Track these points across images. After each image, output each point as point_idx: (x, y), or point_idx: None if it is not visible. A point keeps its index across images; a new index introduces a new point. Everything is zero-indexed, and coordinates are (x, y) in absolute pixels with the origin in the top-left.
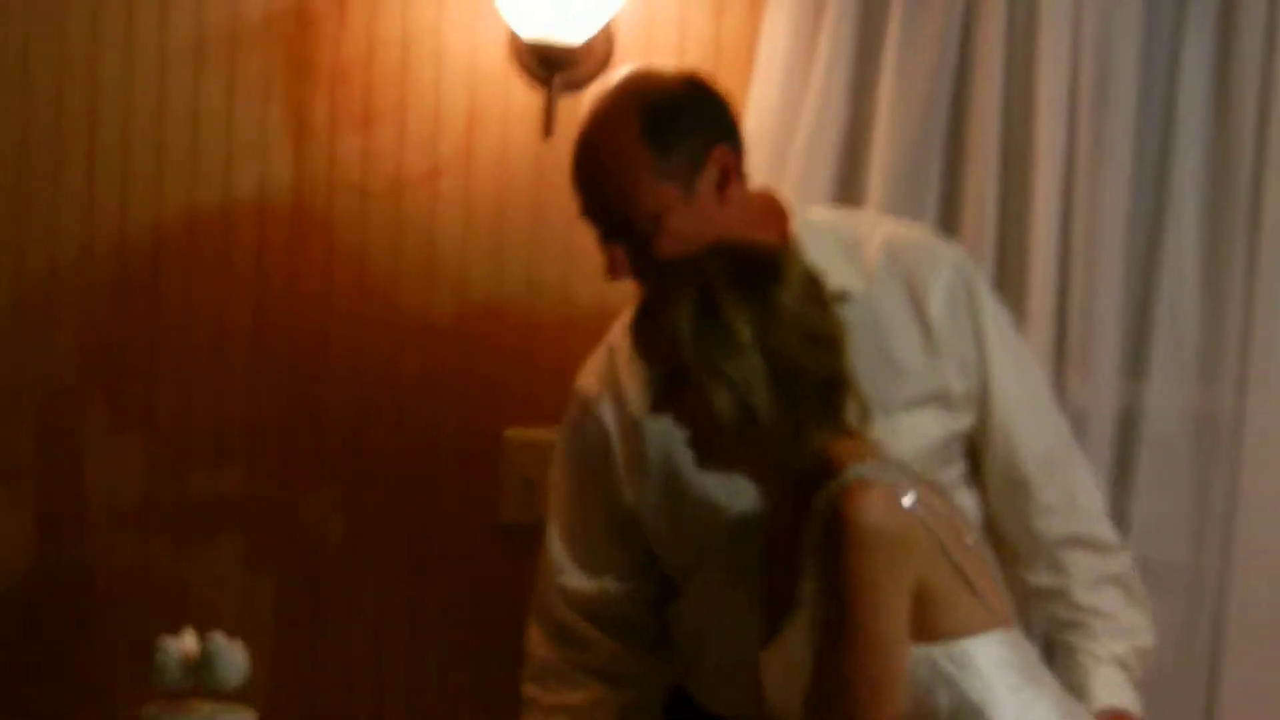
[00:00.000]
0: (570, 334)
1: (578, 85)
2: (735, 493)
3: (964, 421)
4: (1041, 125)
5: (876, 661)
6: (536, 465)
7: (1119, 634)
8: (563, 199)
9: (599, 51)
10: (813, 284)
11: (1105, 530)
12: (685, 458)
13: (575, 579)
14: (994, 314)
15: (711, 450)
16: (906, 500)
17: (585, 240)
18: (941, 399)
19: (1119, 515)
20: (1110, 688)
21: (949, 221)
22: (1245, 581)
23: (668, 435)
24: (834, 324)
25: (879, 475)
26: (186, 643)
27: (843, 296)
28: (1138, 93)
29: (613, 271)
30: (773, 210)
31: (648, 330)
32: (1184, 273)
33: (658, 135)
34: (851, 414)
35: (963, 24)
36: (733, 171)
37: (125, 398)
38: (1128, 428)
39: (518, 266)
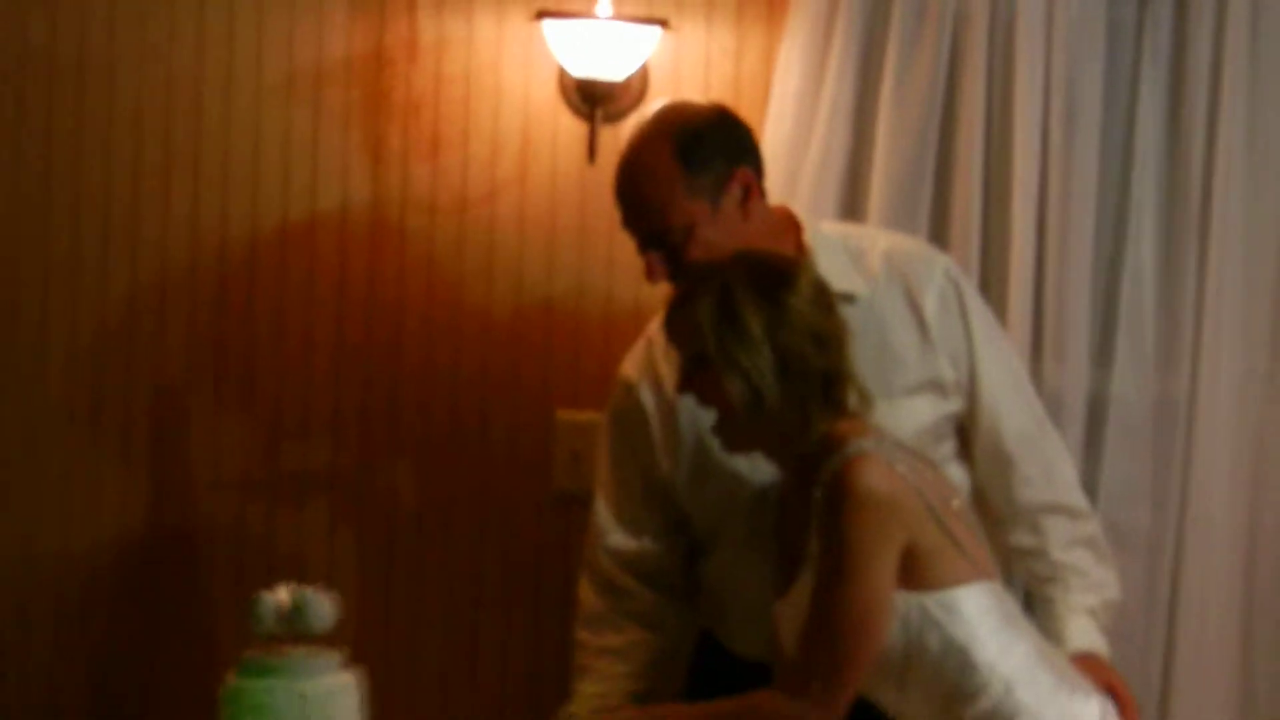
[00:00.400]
0: (612, 329)
1: (617, 117)
2: (755, 468)
3: (954, 405)
4: (1018, 153)
5: (862, 605)
6: (583, 442)
7: (1089, 588)
8: (605, 214)
9: (635, 88)
10: (821, 291)
11: (1078, 498)
12: (713, 438)
13: (619, 539)
14: (980, 313)
15: (732, 433)
16: (899, 468)
17: (625, 249)
18: (935, 386)
19: (1089, 485)
20: (1082, 634)
21: (939, 234)
22: (1197, 543)
23: (697, 416)
24: (838, 326)
25: (876, 448)
26: (281, 595)
27: (849, 298)
28: (1100, 126)
29: (650, 275)
30: (788, 223)
31: (676, 322)
32: (1143, 278)
33: (688, 158)
34: (853, 401)
35: (949, 67)
36: (753, 190)
37: (226, 386)
38: (1096, 410)
39: (566, 272)
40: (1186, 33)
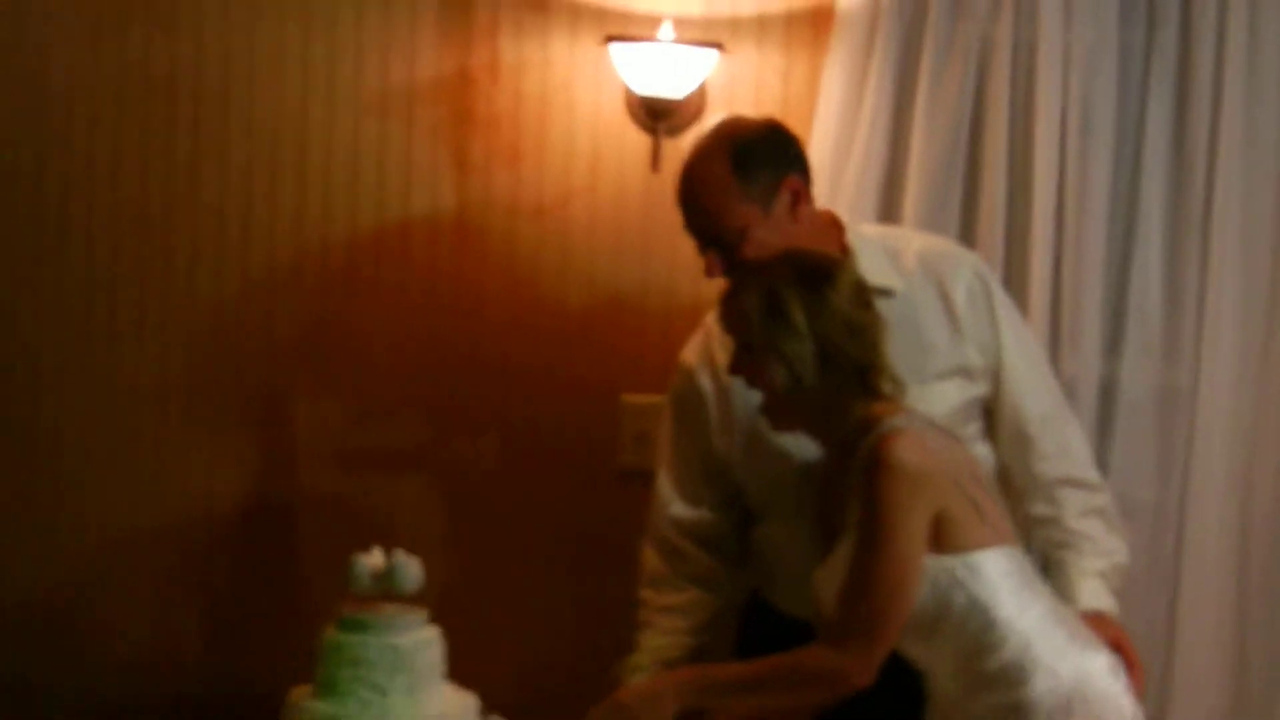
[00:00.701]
0: (673, 321)
1: (678, 131)
2: (801, 446)
3: (981, 389)
4: (1038, 162)
5: (896, 567)
6: (646, 423)
7: (1100, 554)
8: (668, 218)
9: (694, 105)
10: (859, 288)
11: (1090, 473)
12: (762, 417)
13: (680, 509)
14: (1005, 306)
15: (777, 414)
16: (929, 444)
17: (685, 250)
18: (964, 372)
19: (1101, 462)
20: (1093, 595)
21: (967, 234)
22: (1198, 514)
23: (750, 400)
24: (874, 320)
25: (909, 425)
26: (374, 558)
27: (887, 292)
28: (1112, 138)
29: (709, 272)
30: (833, 226)
31: (728, 312)
32: (1150, 276)
33: (741, 168)
34: (887, 389)
35: (976, 86)
36: (802, 196)
37: (327, 371)
38: (1107, 395)
39: (632, 270)
40: (1190, 55)
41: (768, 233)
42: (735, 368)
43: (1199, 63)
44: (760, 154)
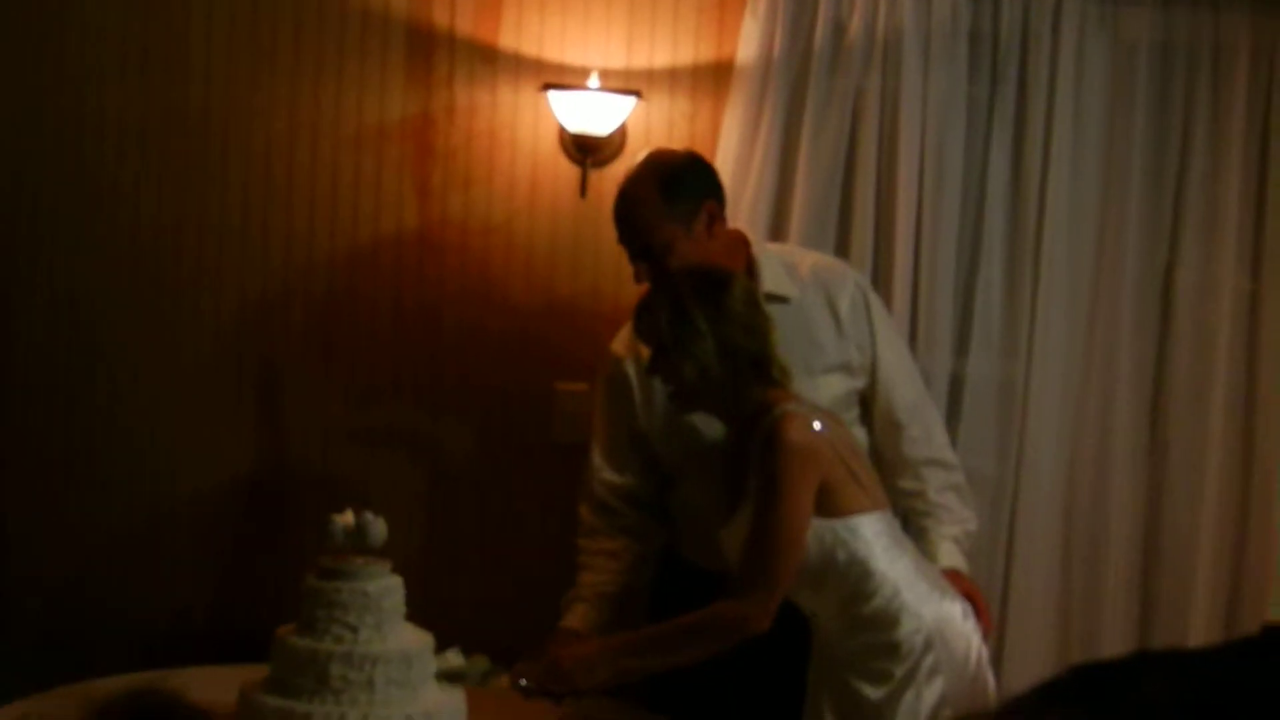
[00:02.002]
0: (599, 321)
1: (603, 163)
2: (709, 424)
3: (859, 382)
4: (900, 193)
5: (789, 528)
6: (576, 406)
7: (956, 521)
8: (594, 235)
9: (616, 141)
10: (750, 293)
11: (950, 455)
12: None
13: (609, 475)
14: (880, 314)
15: (686, 400)
16: (816, 425)
17: (609, 261)
18: (846, 367)
19: (951, 442)
20: (949, 555)
21: (841, 252)
22: (1030, 487)
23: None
24: (764, 320)
25: (798, 410)
26: (347, 517)
27: (784, 299)
28: (961, 174)
29: (638, 278)
30: (741, 243)
31: (642, 323)
32: (992, 288)
33: (667, 191)
34: (777, 374)
35: (850, 129)
36: (717, 217)
37: (332, 356)
38: (956, 385)
39: (564, 278)
40: (1026, 106)
41: (689, 247)
42: (651, 368)
43: (1033, 114)
44: (684, 181)
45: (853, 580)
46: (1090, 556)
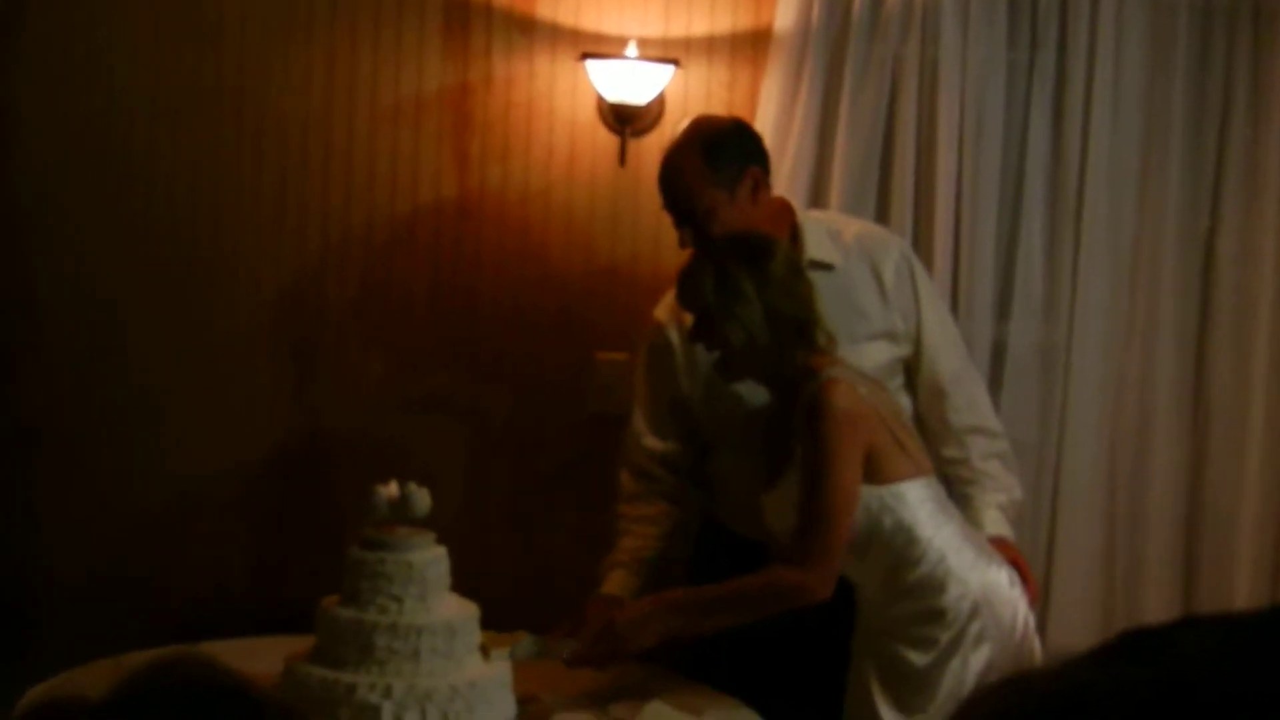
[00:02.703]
0: (637, 290)
1: (641, 132)
2: (751, 392)
3: (904, 350)
4: (940, 159)
5: (841, 493)
6: (614, 376)
7: (1000, 489)
8: (632, 204)
9: (654, 110)
10: (792, 259)
11: (994, 422)
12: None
13: (651, 441)
14: (924, 281)
15: (731, 366)
16: (861, 391)
17: (647, 230)
18: (890, 335)
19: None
20: (994, 523)
21: (881, 220)
22: (1071, 455)
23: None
24: (806, 284)
25: (843, 375)
26: (391, 488)
27: (828, 266)
28: (1001, 140)
29: (682, 244)
30: (785, 210)
31: (686, 290)
32: (1033, 254)
33: (711, 157)
34: (821, 340)
35: (890, 95)
36: (761, 184)
37: (370, 327)
38: (998, 352)
39: (602, 248)
40: (1066, 71)
41: (732, 213)
42: (695, 335)
43: (1073, 78)
44: (728, 147)
45: (898, 547)
46: (1133, 523)
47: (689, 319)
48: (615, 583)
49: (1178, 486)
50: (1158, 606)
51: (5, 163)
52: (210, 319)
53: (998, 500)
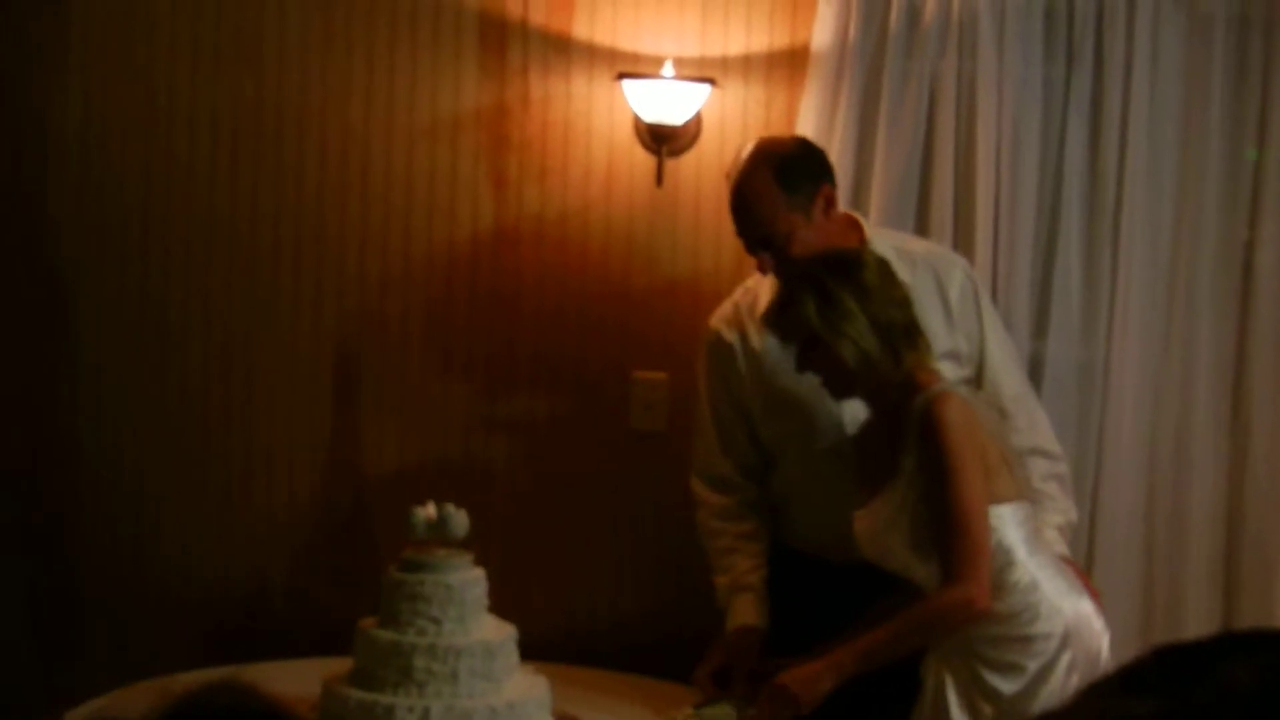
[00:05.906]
0: (674, 311)
1: (678, 152)
2: (816, 399)
3: (967, 371)
4: (979, 176)
5: (974, 500)
6: (653, 394)
7: (1059, 511)
8: (670, 227)
9: (692, 130)
10: (885, 265)
11: (1053, 444)
12: (786, 377)
13: (722, 449)
14: (987, 302)
15: (845, 387)
16: (973, 407)
17: (684, 248)
18: (954, 355)
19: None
20: (1054, 545)
21: (920, 234)
22: (1110, 468)
23: (776, 360)
24: (904, 290)
25: (953, 389)
26: (429, 509)
27: None
28: (1038, 156)
29: (763, 270)
30: (854, 226)
31: (784, 321)
32: (1070, 271)
33: (785, 181)
34: (924, 342)
35: (928, 113)
36: (832, 200)
37: (408, 346)
38: (1035, 368)
39: (640, 267)
40: (1102, 88)
41: (809, 234)
42: (803, 365)
43: (1109, 95)
44: (799, 168)
45: (995, 570)
46: (1172, 538)
47: (754, 330)
48: (749, 611)
49: (1217, 501)
50: (1198, 621)
51: (49, 184)
52: (252, 333)
53: (1056, 521)
